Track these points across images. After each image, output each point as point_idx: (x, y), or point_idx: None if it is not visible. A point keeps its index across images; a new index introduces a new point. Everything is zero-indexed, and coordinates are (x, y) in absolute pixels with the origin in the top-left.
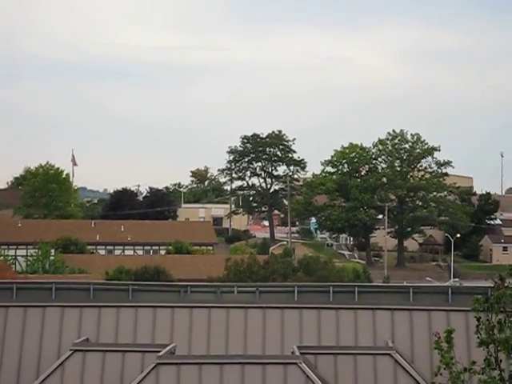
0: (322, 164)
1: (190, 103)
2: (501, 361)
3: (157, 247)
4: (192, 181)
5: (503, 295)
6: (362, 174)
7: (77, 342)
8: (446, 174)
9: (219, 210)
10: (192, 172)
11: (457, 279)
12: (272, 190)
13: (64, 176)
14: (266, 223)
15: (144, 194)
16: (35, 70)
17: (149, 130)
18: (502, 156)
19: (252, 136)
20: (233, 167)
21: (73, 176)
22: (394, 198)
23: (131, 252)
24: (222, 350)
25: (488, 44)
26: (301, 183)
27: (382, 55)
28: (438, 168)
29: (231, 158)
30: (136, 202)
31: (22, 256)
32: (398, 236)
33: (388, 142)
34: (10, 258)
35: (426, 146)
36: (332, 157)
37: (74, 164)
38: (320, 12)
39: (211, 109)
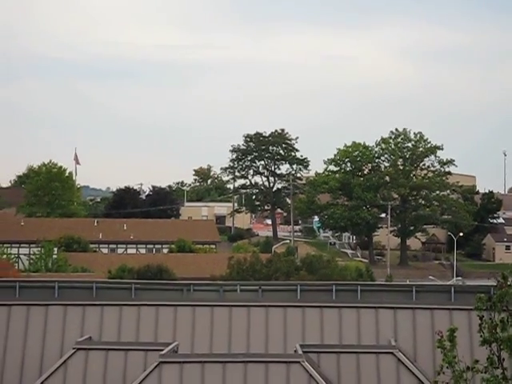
0: (325, 163)
1: (193, 102)
2: (503, 359)
3: (159, 246)
4: (195, 179)
5: (506, 294)
6: (365, 172)
7: (79, 340)
8: (449, 173)
9: (222, 208)
10: (195, 170)
11: (459, 278)
12: (275, 188)
13: (67, 174)
14: (269, 222)
15: (147, 193)
16: (37, 69)
17: (151, 128)
18: (505, 155)
19: (255, 134)
20: (236, 166)
21: (76, 174)
22: (396, 196)
23: (134, 250)
24: (224, 348)
25: (490, 42)
26: (304, 182)
27: (383, 54)
28: (441, 167)
29: (234, 156)
30: (139, 201)
31: (25, 254)
32: (400, 235)
33: (391, 140)
34: (12, 256)
35: (429, 145)
36: (335, 155)
37: (77, 163)
38: (321, 11)
39: (214, 107)
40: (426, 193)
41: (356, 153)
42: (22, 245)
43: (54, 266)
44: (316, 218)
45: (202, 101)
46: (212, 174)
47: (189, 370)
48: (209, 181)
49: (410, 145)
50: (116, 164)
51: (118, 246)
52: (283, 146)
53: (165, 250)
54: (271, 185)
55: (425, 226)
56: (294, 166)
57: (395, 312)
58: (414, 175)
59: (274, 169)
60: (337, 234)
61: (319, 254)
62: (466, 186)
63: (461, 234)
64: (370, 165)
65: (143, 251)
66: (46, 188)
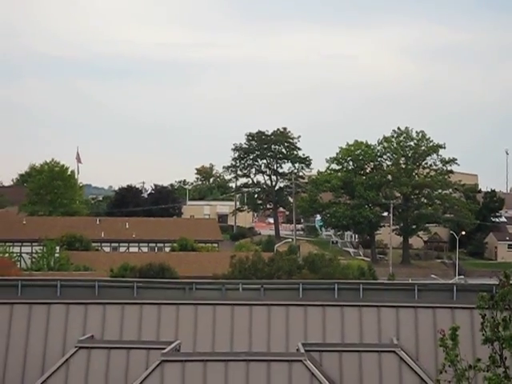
0: (327, 161)
1: (194, 100)
2: (506, 358)
3: (162, 244)
4: (197, 178)
5: (508, 292)
6: (367, 171)
7: (82, 339)
8: (451, 172)
9: (224, 207)
10: (197, 169)
11: (462, 277)
12: (277, 187)
13: (69, 173)
14: (271, 220)
15: (149, 191)
16: (38, 68)
17: (153, 127)
18: (507, 153)
19: (257, 133)
20: (238, 164)
21: (78, 173)
22: (399, 195)
23: (136, 249)
24: (226, 347)
25: (491, 40)
26: (306, 180)
27: (384, 52)
28: (443, 165)
29: (236, 155)
30: (141, 199)
31: (27, 253)
32: (402, 233)
33: (393, 139)
34: (14, 255)
35: (431, 144)
36: (337, 154)
37: (79, 161)
38: (321, 10)
39: (215, 106)
40: (428, 191)
41: (358, 151)
42: (24, 243)
43: (56, 264)
44: (318, 217)
45: (204, 99)
46: (214, 172)
47: (191, 369)
48: (211, 179)
49: (412, 143)
50: (118, 162)
51: (120, 244)
52: (285, 144)
53: (167, 249)
54: (273, 183)
55: (427, 225)
56: (296, 165)
57: (397, 311)
58: (416, 174)
59: (276, 167)
60: (339, 233)
61: (321, 253)
62: (468, 184)
63: (463, 233)
64: (372, 163)
65: (145, 250)
66: (48, 186)
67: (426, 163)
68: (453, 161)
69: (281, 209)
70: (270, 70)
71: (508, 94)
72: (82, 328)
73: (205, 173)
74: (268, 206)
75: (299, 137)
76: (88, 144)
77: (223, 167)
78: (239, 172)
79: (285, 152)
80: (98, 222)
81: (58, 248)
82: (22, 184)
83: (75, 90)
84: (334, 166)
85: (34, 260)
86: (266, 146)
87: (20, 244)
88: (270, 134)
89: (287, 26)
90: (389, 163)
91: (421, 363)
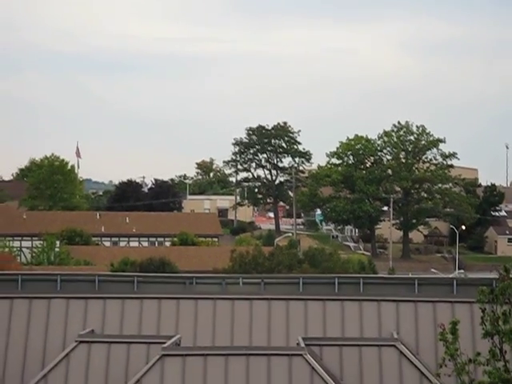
0: (328, 156)
1: (195, 95)
2: (505, 352)
3: (162, 239)
4: (197, 172)
5: (508, 286)
6: (368, 165)
7: (82, 333)
8: (451, 166)
9: (224, 201)
10: (197, 164)
11: (462, 271)
12: (277, 181)
13: (69, 168)
14: (272, 215)
15: (149, 186)
16: (37, 62)
17: (154, 121)
18: (507, 147)
19: (257, 127)
20: (238, 159)
21: (78, 168)
22: (399, 189)
23: (136, 244)
24: (227, 341)
25: (490, 33)
26: (306, 175)
27: (384, 47)
28: (443, 160)
29: (236, 149)
30: (141, 194)
31: (27, 248)
32: (403, 228)
33: (393, 133)
34: (15, 249)
35: (431, 138)
36: (337, 148)
37: (78, 156)
38: (321, 4)
39: (216, 100)
40: (428, 186)
41: (358, 146)
42: (24, 238)
43: (57, 259)
44: (318, 211)
45: (204, 94)
46: (214, 167)
47: (191, 363)
48: (211, 174)
49: (412, 138)
50: (118, 157)
51: (121, 239)
52: (285, 139)
53: (167, 243)
54: (273, 178)
55: (427, 219)
56: (297, 159)
57: (397, 305)
58: (416, 168)
59: (277, 162)
60: (339, 227)
61: (321, 247)
62: (468, 178)
63: (463, 227)
64: (372, 158)
65: (145, 244)
66: (48, 181)
67: (426, 157)
68: (453, 155)
69: (281, 203)
70: (270, 64)
71: (508, 88)
72: (82, 322)
73: (205, 167)
74: (268, 200)
75: (299, 131)
76: (88, 138)
77: (223, 161)
78: (239, 166)
79: (285, 146)
80: (98, 217)
81: (58, 242)
82: (22, 178)
83: (75, 85)
84: (335, 161)
85: (34, 254)
86: (266, 140)
87: (20, 238)
88: (270, 128)
89: (287, 21)
90: (389, 157)
91: (421, 357)
